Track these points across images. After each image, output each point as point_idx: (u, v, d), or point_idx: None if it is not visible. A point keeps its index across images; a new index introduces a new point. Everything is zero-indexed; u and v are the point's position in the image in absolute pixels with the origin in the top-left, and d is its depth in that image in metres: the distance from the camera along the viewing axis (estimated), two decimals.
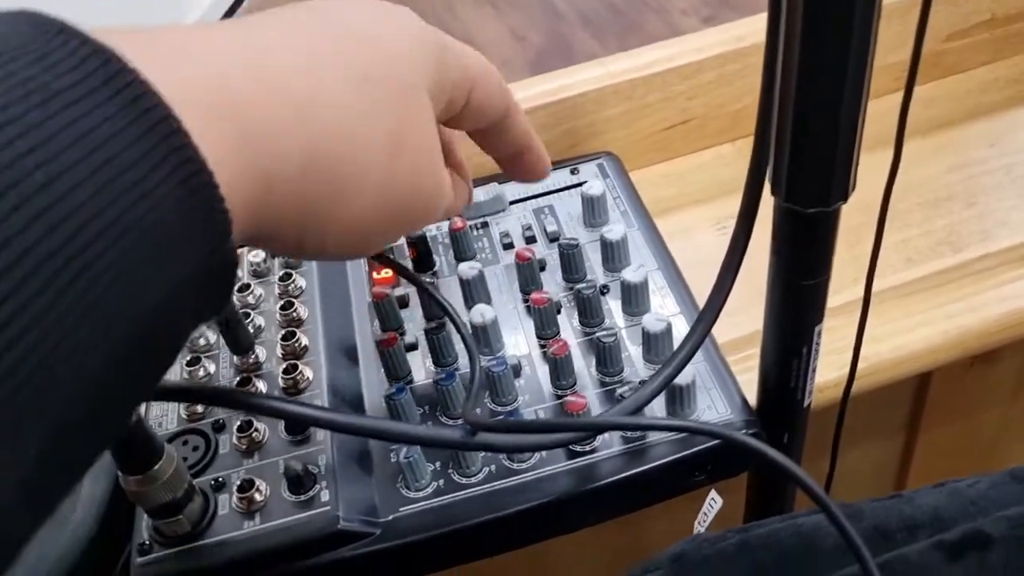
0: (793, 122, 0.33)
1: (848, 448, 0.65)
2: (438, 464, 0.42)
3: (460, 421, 0.39)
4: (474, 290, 0.49)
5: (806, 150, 0.33)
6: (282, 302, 0.48)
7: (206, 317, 0.26)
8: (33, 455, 0.20)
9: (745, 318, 0.55)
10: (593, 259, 0.51)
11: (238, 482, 0.41)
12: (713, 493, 0.44)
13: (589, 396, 0.44)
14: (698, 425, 0.37)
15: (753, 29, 0.63)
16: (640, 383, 0.44)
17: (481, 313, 0.46)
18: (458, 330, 0.42)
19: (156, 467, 0.38)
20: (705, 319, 0.39)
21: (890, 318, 0.50)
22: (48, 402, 0.19)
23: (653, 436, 0.42)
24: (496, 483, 0.42)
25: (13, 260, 0.18)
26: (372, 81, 0.28)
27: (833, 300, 0.50)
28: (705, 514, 0.45)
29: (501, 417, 0.43)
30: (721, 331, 0.52)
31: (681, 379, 0.42)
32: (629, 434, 0.42)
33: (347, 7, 0.30)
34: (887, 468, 0.78)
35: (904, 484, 0.80)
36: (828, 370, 0.49)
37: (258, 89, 0.25)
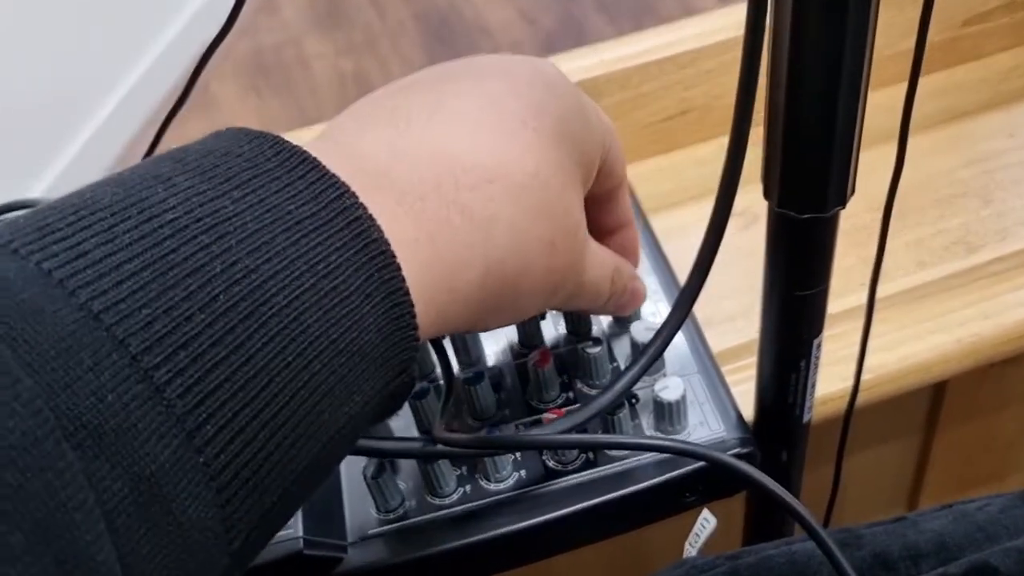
0: (784, 120, 0.30)
1: (861, 451, 0.62)
2: (410, 484, 0.40)
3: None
4: None
5: (800, 152, 0.30)
6: None
7: (371, 426, 0.27)
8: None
9: (746, 323, 0.53)
10: None
11: None
12: (706, 513, 0.42)
13: (571, 410, 0.41)
14: (681, 445, 0.34)
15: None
16: (628, 397, 0.41)
17: None
18: (434, 344, 0.39)
19: None
20: (681, 305, 0.37)
21: (899, 324, 0.47)
22: (251, 507, 0.21)
23: (639, 454, 0.40)
24: (471, 504, 0.39)
25: (251, 376, 0.20)
26: (542, 178, 0.29)
27: (840, 304, 0.47)
28: (697, 535, 0.42)
29: (479, 435, 0.41)
30: (721, 338, 0.49)
31: (669, 393, 0.39)
32: (613, 451, 0.39)
33: (501, 76, 0.30)
34: (902, 470, 0.75)
35: (920, 487, 0.77)
36: (833, 381, 0.46)
37: (451, 218, 0.27)
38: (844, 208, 0.32)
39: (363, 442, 0.34)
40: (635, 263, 0.40)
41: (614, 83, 0.57)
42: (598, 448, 0.40)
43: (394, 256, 0.24)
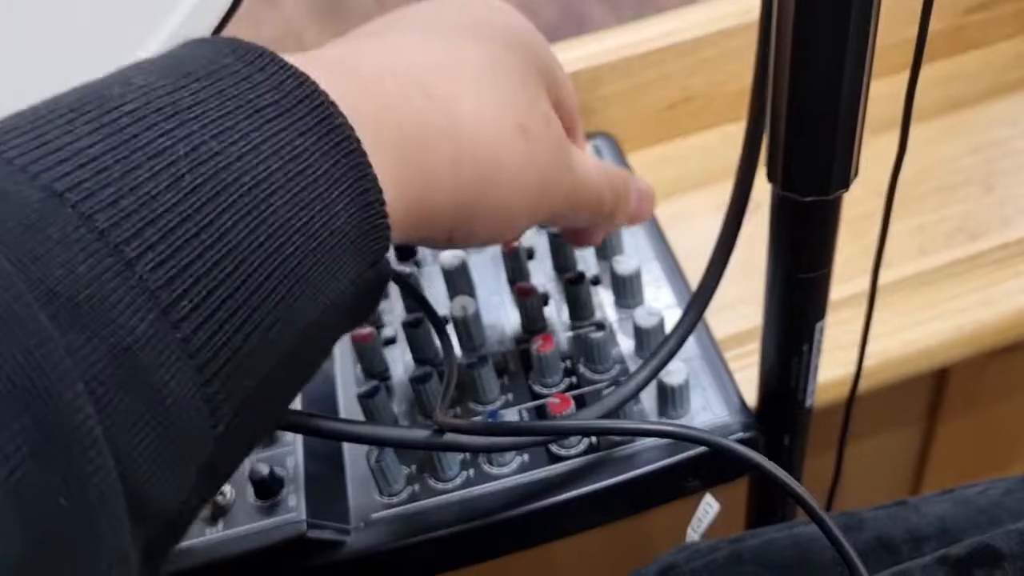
0: (788, 103, 0.30)
1: (863, 439, 0.62)
2: (413, 468, 0.40)
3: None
4: (457, 281, 0.46)
5: (803, 133, 0.30)
6: None
7: (349, 328, 0.27)
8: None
9: (751, 309, 0.53)
10: (585, 247, 0.48)
11: None
12: (708, 498, 0.42)
13: (576, 395, 0.41)
14: (683, 430, 0.34)
15: (759, 2, 0.60)
16: (620, 379, 0.41)
17: (463, 306, 0.43)
18: (436, 328, 0.39)
19: None
20: (695, 306, 0.37)
21: (901, 311, 0.47)
22: (233, 389, 0.21)
23: (642, 439, 0.40)
24: (474, 488, 0.39)
25: (223, 255, 0.20)
26: (500, 69, 0.30)
27: (842, 291, 0.47)
28: (699, 519, 0.43)
29: (479, 418, 0.41)
30: (724, 324, 0.49)
31: (673, 378, 0.39)
32: (615, 437, 0.39)
33: (456, 6, 0.32)
34: (905, 458, 0.75)
35: (922, 474, 0.77)
36: (835, 367, 0.46)
37: (412, 97, 0.27)
38: (847, 191, 0.32)
39: (367, 430, 0.34)
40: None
41: (616, 71, 0.57)
42: (600, 434, 0.40)
43: (358, 141, 0.24)
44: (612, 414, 0.37)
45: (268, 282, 0.21)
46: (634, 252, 0.48)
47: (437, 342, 0.45)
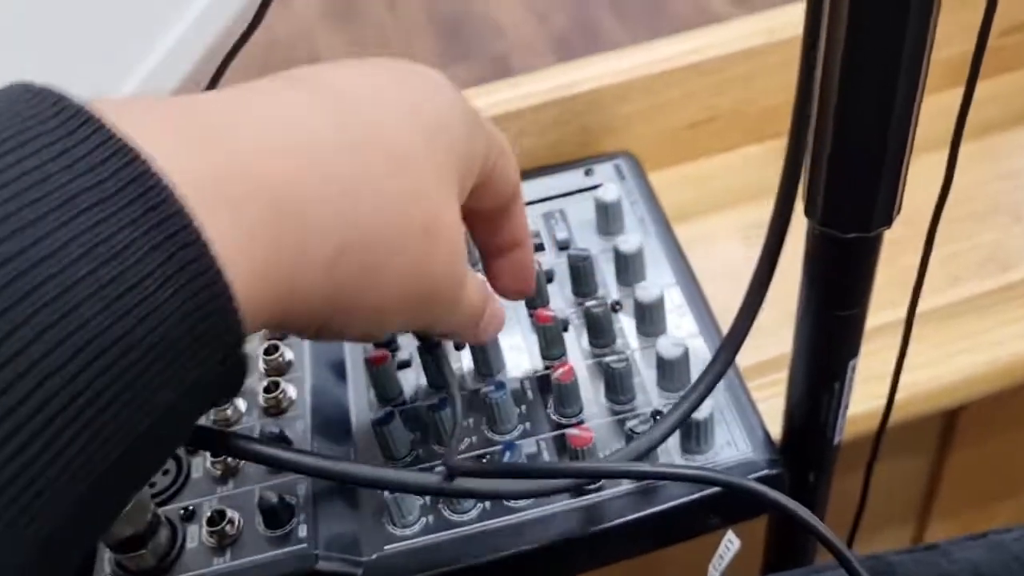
0: (833, 136, 0.28)
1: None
2: (427, 499, 0.39)
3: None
4: None
5: (847, 168, 0.29)
6: None
7: (207, 410, 0.25)
8: (32, 550, 0.19)
9: (772, 339, 0.51)
10: (606, 271, 0.47)
11: (209, 513, 0.37)
12: (730, 535, 0.40)
13: (596, 427, 0.40)
14: (707, 474, 0.33)
15: (786, 20, 0.58)
16: (652, 415, 0.40)
17: None
18: (438, 364, 0.38)
19: None
20: (727, 349, 0.35)
21: (930, 344, 0.46)
22: (37, 513, 0.19)
23: None
24: (490, 522, 0.38)
25: (17, 375, 0.18)
26: (413, 159, 0.27)
27: (870, 321, 0.46)
28: (720, 557, 0.41)
29: (497, 448, 0.40)
30: (744, 353, 0.48)
31: (698, 413, 0.38)
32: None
33: (376, 71, 0.28)
34: (915, 486, 0.73)
35: (931, 503, 0.76)
36: (862, 400, 0.44)
37: (297, 174, 0.24)
38: (889, 228, 0.31)
39: (374, 472, 0.32)
40: (529, 286, 0.38)
41: (639, 89, 0.56)
42: (618, 477, 0.38)
43: (198, 233, 0.20)
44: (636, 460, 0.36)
45: (72, 407, 0.19)
46: (656, 277, 0.47)
47: (453, 365, 0.43)
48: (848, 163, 0.29)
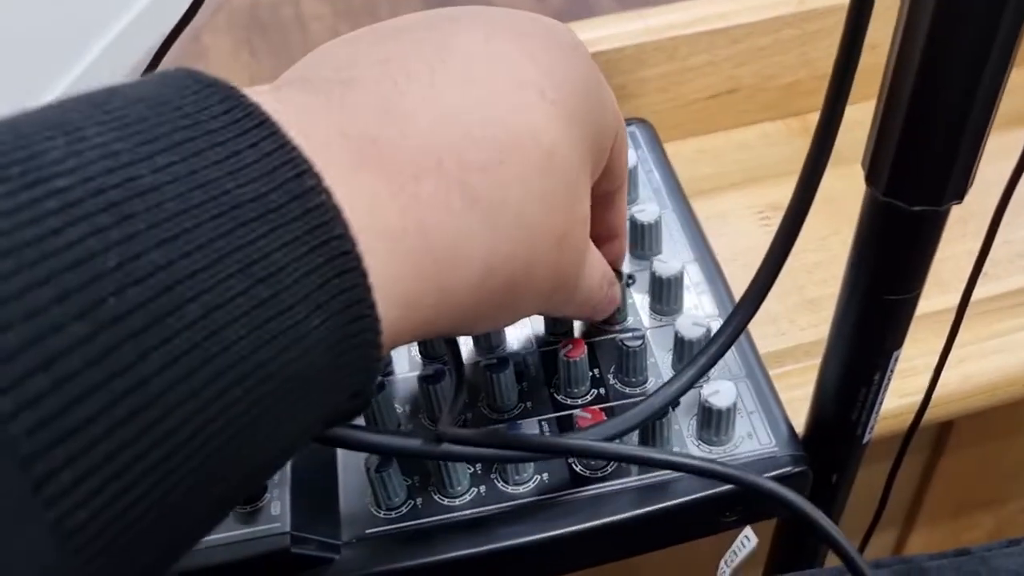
0: (911, 97, 0.25)
1: (864, 466, 0.58)
2: (416, 480, 0.35)
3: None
4: None
5: (924, 133, 0.25)
6: None
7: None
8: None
9: (789, 326, 0.48)
10: None
11: None
12: (748, 531, 0.37)
13: (605, 409, 0.36)
14: (718, 468, 0.30)
15: None
16: (630, 389, 0.36)
17: None
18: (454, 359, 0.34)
19: None
20: (742, 310, 0.32)
21: (962, 340, 0.43)
22: (110, 534, 0.16)
23: None
24: (484, 507, 0.34)
25: (140, 407, 0.15)
26: (557, 159, 0.24)
27: None
28: (734, 553, 0.38)
29: (497, 427, 0.36)
30: (761, 341, 0.45)
31: (718, 400, 0.34)
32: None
33: (501, 35, 0.25)
34: (902, 489, 0.71)
35: (919, 506, 0.74)
36: (890, 398, 0.41)
37: (451, 199, 0.22)
38: (961, 202, 0.27)
39: (351, 433, 0.29)
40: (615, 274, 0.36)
41: (661, 52, 0.52)
42: (626, 461, 0.35)
43: (359, 259, 0.19)
44: (643, 434, 0.33)
45: (197, 438, 0.16)
46: (673, 252, 0.43)
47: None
48: (926, 127, 0.25)
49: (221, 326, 0.17)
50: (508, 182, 0.23)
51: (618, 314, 0.39)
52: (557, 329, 0.40)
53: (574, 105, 0.25)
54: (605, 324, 0.40)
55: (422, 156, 0.22)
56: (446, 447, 0.30)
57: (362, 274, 0.19)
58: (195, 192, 0.17)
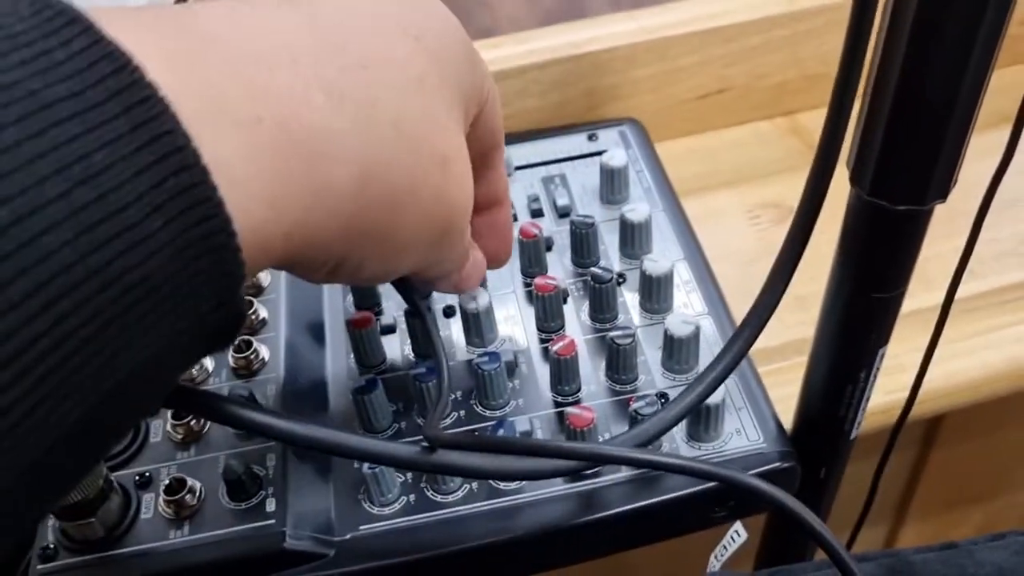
0: (895, 96, 0.25)
1: (854, 461, 0.59)
2: (409, 477, 0.35)
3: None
4: None
5: (907, 133, 0.26)
6: None
7: (199, 360, 0.22)
8: None
9: (778, 324, 0.48)
10: (609, 242, 0.44)
11: (167, 481, 0.34)
12: (738, 526, 0.38)
13: (596, 407, 0.36)
14: (706, 468, 0.30)
15: None
16: (658, 396, 0.37)
17: (474, 297, 0.38)
18: (425, 329, 0.34)
19: None
20: (750, 327, 0.32)
21: (947, 338, 0.43)
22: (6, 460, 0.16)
23: None
24: (477, 505, 0.35)
25: None
26: (427, 84, 0.24)
27: None
28: (725, 547, 0.38)
29: (489, 424, 0.36)
30: None
31: (710, 398, 0.35)
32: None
33: None
34: (892, 484, 0.72)
35: (909, 502, 0.74)
36: (875, 395, 0.42)
37: (311, 94, 0.21)
38: (944, 201, 0.28)
39: (341, 438, 0.28)
40: (506, 250, 0.35)
41: (652, 53, 0.53)
42: (613, 463, 0.35)
43: (196, 155, 0.18)
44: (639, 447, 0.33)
45: (36, 348, 0.16)
46: (663, 251, 0.44)
47: (442, 333, 0.40)
48: (909, 127, 0.26)
49: (37, 232, 0.16)
50: (376, 86, 0.23)
51: (555, 320, 0.40)
52: (548, 327, 0.40)
53: (439, 49, 0.25)
54: (543, 331, 0.40)
55: (274, 53, 0.21)
56: (438, 460, 0.29)
57: (202, 171, 0.18)
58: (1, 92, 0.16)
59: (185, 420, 0.36)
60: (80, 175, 0.16)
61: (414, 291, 0.35)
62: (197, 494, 0.34)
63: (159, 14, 0.20)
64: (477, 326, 0.39)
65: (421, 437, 0.30)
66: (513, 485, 0.35)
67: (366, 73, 0.22)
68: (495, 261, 0.35)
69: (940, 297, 0.42)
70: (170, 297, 0.18)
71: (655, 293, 0.40)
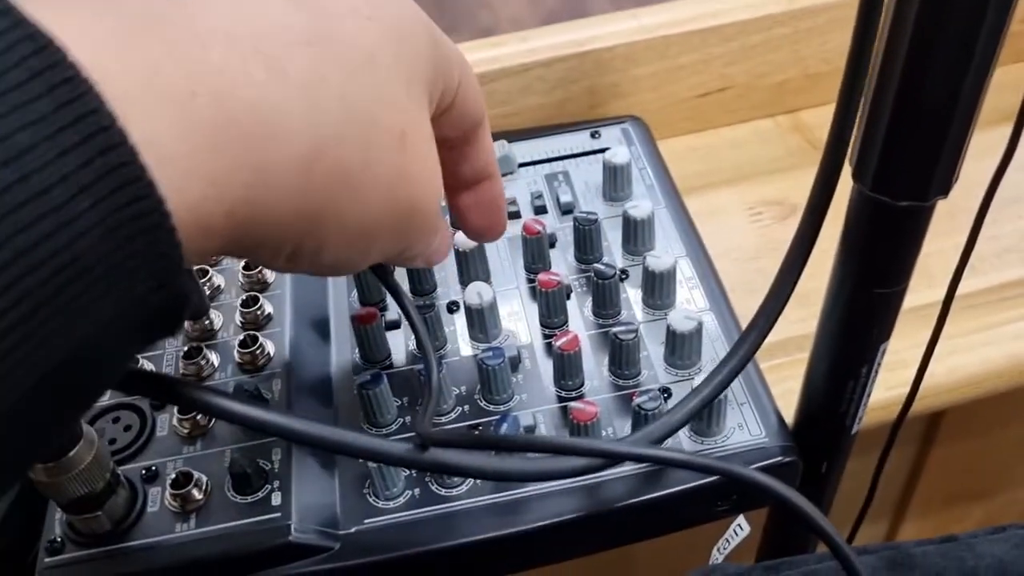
0: (897, 94, 0.26)
1: (855, 457, 0.59)
2: (414, 471, 0.36)
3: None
4: (471, 265, 0.42)
5: (909, 129, 0.26)
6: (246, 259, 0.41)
7: (144, 349, 0.21)
8: None
9: (779, 320, 0.49)
10: (612, 238, 0.44)
11: (173, 475, 0.34)
12: (741, 520, 0.38)
13: (599, 402, 0.37)
14: (710, 463, 0.31)
15: None
16: (661, 391, 0.37)
17: (478, 293, 0.39)
18: (411, 324, 0.34)
19: (70, 455, 0.31)
20: (757, 330, 0.33)
21: (947, 334, 0.44)
22: None
23: None
24: (482, 498, 0.35)
25: None
26: (380, 62, 0.24)
27: None
28: (727, 540, 0.39)
29: (492, 419, 0.37)
30: None
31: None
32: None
33: None
34: (893, 481, 0.72)
35: (909, 498, 0.75)
36: (876, 390, 0.42)
37: (250, 69, 0.21)
38: (946, 197, 0.28)
39: (333, 434, 0.28)
40: (500, 223, 0.35)
41: (652, 51, 0.53)
42: (614, 458, 0.35)
43: (122, 134, 0.18)
44: (635, 426, 0.34)
45: None
46: (665, 248, 0.44)
47: (447, 329, 0.40)
48: (911, 124, 0.26)
49: None
50: (321, 62, 0.22)
51: (559, 316, 0.40)
52: (552, 323, 0.40)
53: (393, 28, 0.25)
54: (546, 326, 0.40)
55: (209, 29, 0.21)
56: (431, 458, 0.29)
57: (130, 150, 0.18)
58: None
59: (191, 415, 0.36)
60: (1, 156, 0.16)
61: (389, 274, 0.35)
62: (203, 488, 0.34)
63: None
64: (481, 322, 0.39)
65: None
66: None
67: (311, 50, 0.22)
68: (490, 235, 0.35)
69: (941, 293, 0.42)
70: (103, 278, 0.18)
71: (658, 289, 0.40)
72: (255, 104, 0.21)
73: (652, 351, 0.39)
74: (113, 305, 0.18)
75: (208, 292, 0.41)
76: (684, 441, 0.36)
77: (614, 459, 0.35)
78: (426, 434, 0.29)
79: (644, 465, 0.35)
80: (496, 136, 0.47)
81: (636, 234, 0.43)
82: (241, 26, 0.21)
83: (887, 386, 0.43)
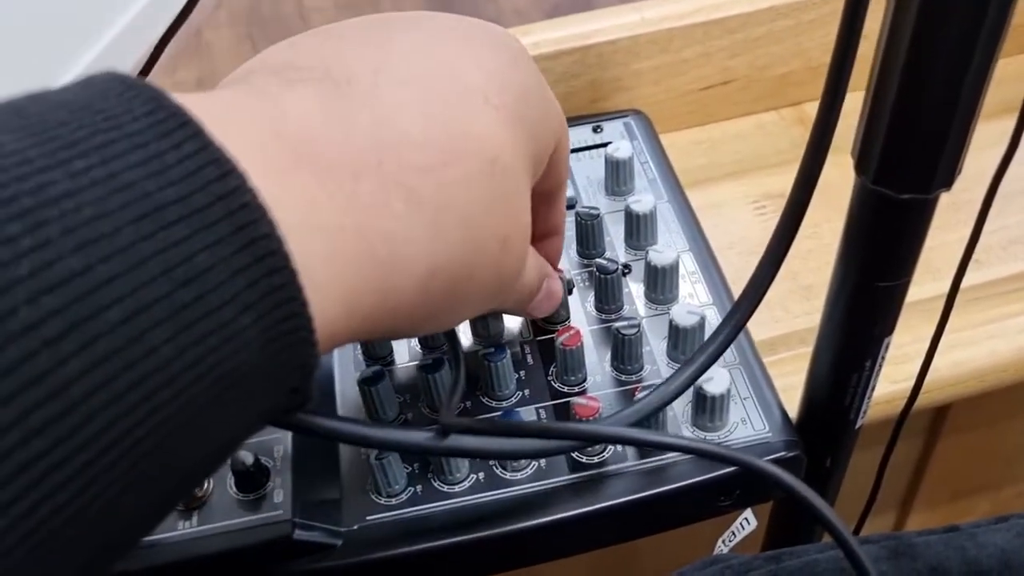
0: (900, 86, 0.25)
1: (860, 450, 0.59)
2: (416, 467, 0.36)
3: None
4: None
5: (912, 122, 0.26)
6: None
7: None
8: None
9: (783, 313, 0.49)
10: (614, 233, 0.44)
11: None
12: (748, 513, 0.38)
13: (601, 397, 0.36)
14: (719, 450, 0.30)
15: None
16: (651, 381, 0.37)
17: None
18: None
19: None
20: (741, 310, 0.32)
21: (952, 327, 0.43)
22: (73, 548, 0.17)
23: (672, 453, 0.36)
24: (484, 495, 0.35)
25: (66, 408, 0.15)
26: (500, 162, 0.25)
27: None
28: (733, 533, 0.39)
29: (495, 415, 0.37)
30: (756, 328, 0.45)
31: (713, 387, 0.35)
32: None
33: (445, 38, 0.26)
34: (899, 474, 0.72)
35: (915, 492, 0.74)
36: (880, 384, 0.42)
37: (392, 199, 0.22)
38: (949, 190, 0.28)
39: (355, 429, 0.29)
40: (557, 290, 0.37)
41: (655, 45, 0.53)
42: (625, 444, 0.35)
43: (287, 258, 0.19)
44: (644, 422, 0.33)
45: (124, 442, 0.16)
46: (668, 242, 0.44)
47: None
48: (913, 115, 0.26)
49: (143, 330, 0.16)
50: (451, 186, 0.23)
51: (561, 311, 0.40)
52: (553, 318, 0.40)
53: (517, 110, 0.26)
54: (548, 323, 0.40)
55: (361, 156, 0.22)
56: (453, 440, 0.30)
57: (292, 273, 0.19)
58: (114, 196, 0.16)
59: None
60: (183, 276, 0.17)
61: None
62: (205, 485, 0.34)
63: (255, 114, 0.21)
64: (483, 317, 0.39)
65: (428, 427, 0.30)
66: (520, 475, 0.35)
67: (445, 172, 0.23)
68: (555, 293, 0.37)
69: (946, 286, 0.42)
70: (253, 387, 0.19)
71: (660, 284, 0.40)
72: (391, 235, 0.22)
73: (655, 345, 0.39)
74: (257, 407, 0.20)
75: None
76: (687, 436, 0.36)
77: (628, 445, 0.35)
78: (451, 423, 0.30)
79: (647, 461, 0.35)
80: None
81: (638, 228, 0.43)
82: (388, 152, 0.22)
83: (891, 380, 0.43)
